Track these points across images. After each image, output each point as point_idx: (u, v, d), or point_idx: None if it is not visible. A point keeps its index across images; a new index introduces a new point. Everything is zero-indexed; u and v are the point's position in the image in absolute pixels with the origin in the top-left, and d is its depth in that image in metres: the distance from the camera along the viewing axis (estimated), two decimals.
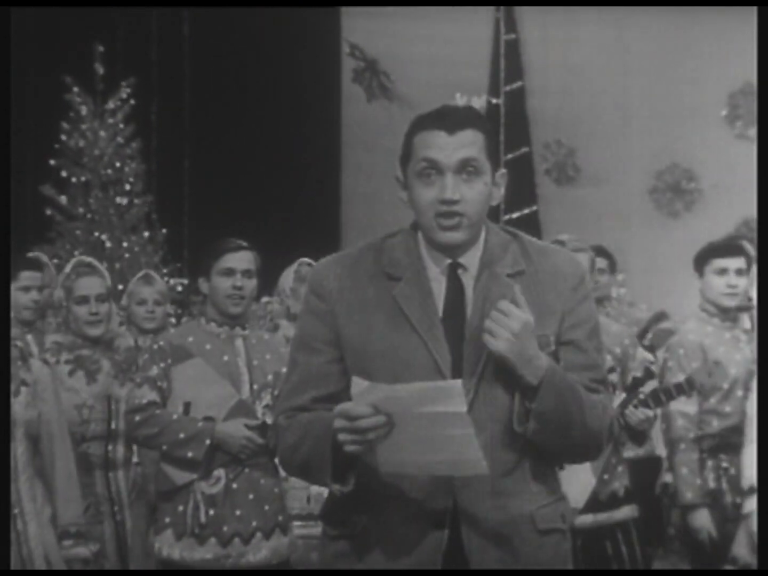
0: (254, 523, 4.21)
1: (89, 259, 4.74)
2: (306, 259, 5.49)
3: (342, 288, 2.57)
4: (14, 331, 4.21)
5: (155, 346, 4.34)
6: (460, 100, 9.12)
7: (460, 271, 2.55)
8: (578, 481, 4.52)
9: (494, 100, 9.22)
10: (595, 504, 4.61)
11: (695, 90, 9.11)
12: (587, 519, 4.58)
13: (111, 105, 8.53)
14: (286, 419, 2.59)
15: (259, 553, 4.24)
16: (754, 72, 8.98)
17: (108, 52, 8.46)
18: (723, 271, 4.90)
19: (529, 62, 9.25)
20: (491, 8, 9.17)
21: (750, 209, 9.35)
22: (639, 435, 4.61)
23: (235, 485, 4.24)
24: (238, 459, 4.22)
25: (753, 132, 9.12)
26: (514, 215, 8.98)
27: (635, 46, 9.18)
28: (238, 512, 4.21)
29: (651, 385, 4.60)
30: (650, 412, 4.50)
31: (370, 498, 2.49)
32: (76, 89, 8.41)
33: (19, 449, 3.94)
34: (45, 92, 8.54)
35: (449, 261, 2.55)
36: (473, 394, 2.47)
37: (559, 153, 9.39)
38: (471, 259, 2.56)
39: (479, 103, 9.22)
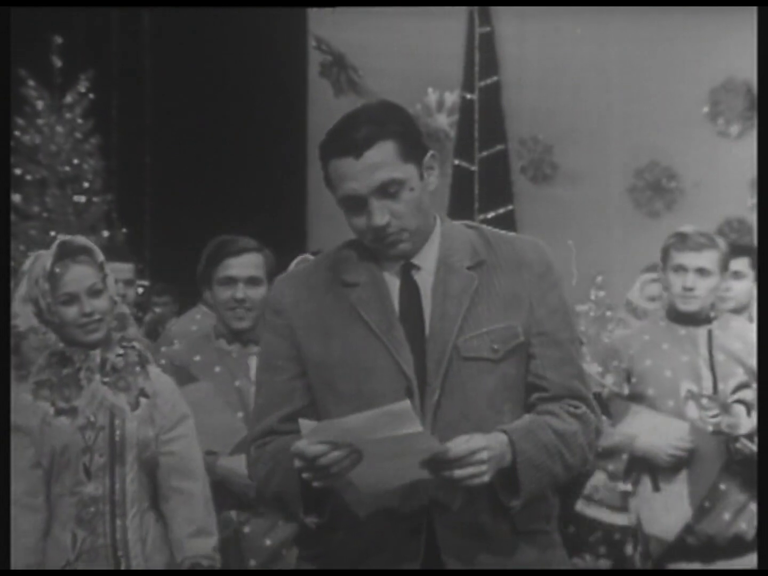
0: None
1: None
2: (308, 255, 4.98)
3: (298, 300, 2.55)
4: (130, 330, 3.56)
5: None
6: (432, 96, 9.06)
7: (413, 271, 2.53)
8: (673, 509, 4.07)
9: (468, 96, 9.08)
10: (712, 550, 4.02)
11: (676, 86, 9.01)
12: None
13: (69, 99, 8.28)
14: (256, 449, 2.56)
15: None
16: (736, 67, 9.00)
17: (66, 44, 8.20)
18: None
19: (505, 56, 9.14)
20: None
21: (732, 209, 9.35)
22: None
23: (246, 529, 3.69)
24: (248, 499, 3.61)
25: (734, 129, 9.08)
26: (489, 215, 8.88)
27: (615, 40, 9.10)
28: (252, 562, 3.66)
29: None
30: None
31: (344, 513, 2.45)
32: (31, 82, 8.16)
33: (128, 477, 3.33)
34: None
35: (402, 262, 2.52)
36: (440, 392, 2.45)
37: (535, 150, 9.28)
38: (425, 257, 2.53)
39: (452, 98, 9.16)
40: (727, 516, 4.04)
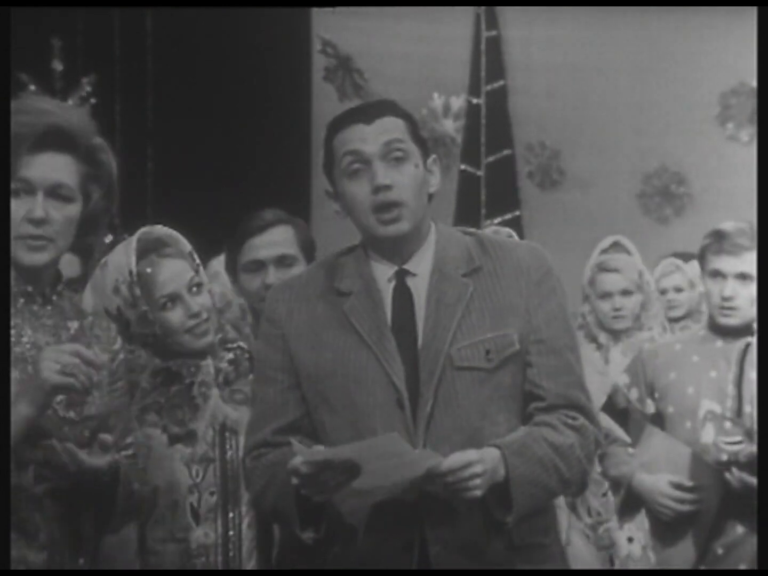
0: None
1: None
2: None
3: (291, 309, 2.54)
4: (229, 331, 3.09)
5: None
6: (437, 100, 9.00)
7: (408, 278, 2.52)
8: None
9: (474, 100, 8.97)
10: None
11: (685, 90, 8.91)
12: None
13: (70, 104, 7.87)
14: (251, 461, 2.54)
15: None
16: (747, 71, 8.94)
17: (67, 47, 8.16)
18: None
19: (512, 61, 9.03)
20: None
21: (742, 215, 9.22)
22: None
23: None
24: None
25: (745, 134, 8.97)
26: (496, 220, 8.70)
27: (622, 44, 8.99)
28: None
29: None
30: None
31: (341, 528, 2.45)
32: (32, 87, 8.05)
33: (245, 521, 2.74)
34: None
35: (396, 269, 2.51)
36: (432, 403, 2.43)
37: (542, 155, 9.17)
38: (419, 264, 2.52)
39: (458, 103, 9.06)
40: (720, 551, 3.51)
